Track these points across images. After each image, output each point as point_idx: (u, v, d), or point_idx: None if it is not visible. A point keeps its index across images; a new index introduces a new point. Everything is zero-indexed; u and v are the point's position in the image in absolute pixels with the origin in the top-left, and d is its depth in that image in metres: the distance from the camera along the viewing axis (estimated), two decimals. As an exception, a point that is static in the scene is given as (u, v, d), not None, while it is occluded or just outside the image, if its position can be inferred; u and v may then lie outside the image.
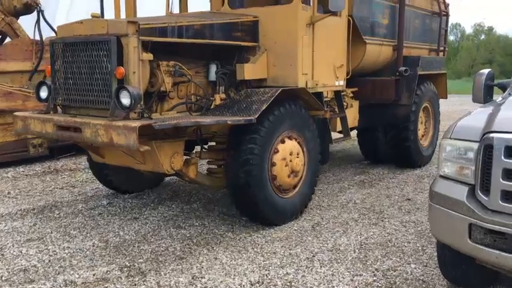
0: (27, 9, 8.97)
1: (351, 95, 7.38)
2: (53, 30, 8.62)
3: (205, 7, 7.63)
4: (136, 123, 4.25)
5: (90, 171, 7.52)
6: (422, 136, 8.45)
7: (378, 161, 8.50)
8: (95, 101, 4.79)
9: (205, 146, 5.93)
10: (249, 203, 5.17)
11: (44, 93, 5.27)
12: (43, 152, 8.52)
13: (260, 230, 5.28)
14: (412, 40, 8.20)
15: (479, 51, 61.39)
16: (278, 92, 5.13)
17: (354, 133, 7.64)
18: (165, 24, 4.91)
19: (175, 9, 6.84)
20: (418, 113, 8.01)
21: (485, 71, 4.32)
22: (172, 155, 4.96)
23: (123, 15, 6.78)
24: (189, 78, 5.27)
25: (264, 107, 4.94)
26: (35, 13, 8.72)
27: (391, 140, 7.99)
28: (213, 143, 5.82)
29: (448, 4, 9.22)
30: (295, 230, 5.31)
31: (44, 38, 8.37)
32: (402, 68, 7.47)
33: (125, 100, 4.46)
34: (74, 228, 5.35)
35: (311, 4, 5.82)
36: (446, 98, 9.16)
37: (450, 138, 3.50)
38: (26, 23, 9.24)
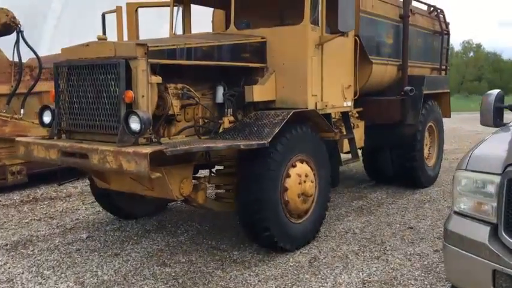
0: (6, 30, 8.56)
1: (357, 115, 7.28)
2: (33, 51, 8.43)
3: (207, 28, 7.57)
4: (148, 150, 4.08)
5: (71, 199, 7.36)
6: (428, 156, 8.36)
7: (383, 182, 8.37)
8: (102, 126, 4.62)
9: (213, 170, 5.76)
10: (261, 228, 4.99)
11: (47, 118, 5.09)
12: (22, 180, 8.06)
13: (252, 266, 4.88)
14: (415, 59, 8.16)
15: (468, 68, 62.19)
16: (290, 114, 5.01)
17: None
18: (174, 46, 4.79)
19: (179, 31, 6.72)
20: (423, 132, 7.93)
21: (494, 92, 4.06)
22: (182, 180, 4.79)
23: (125, 37, 6.67)
24: (197, 101, 5.13)
25: (276, 131, 4.80)
26: (14, 34, 8.45)
27: (397, 160, 7.88)
28: (221, 167, 5.66)
29: (449, 23, 9.22)
30: (291, 266, 4.89)
31: (23, 60, 8.16)
32: (408, 88, 7.40)
33: (134, 125, 4.30)
34: (48, 267, 4.91)
35: (319, 25, 5.73)
36: (449, 117, 9.10)
37: (466, 169, 3.14)
38: (5, 43, 8.92)
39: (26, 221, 6.52)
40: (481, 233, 2.97)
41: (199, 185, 5.13)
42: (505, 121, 4.05)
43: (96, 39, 4.75)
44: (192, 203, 5.32)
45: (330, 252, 5.26)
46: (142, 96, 4.47)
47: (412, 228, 6.03)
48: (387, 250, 5.30)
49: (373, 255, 5.17)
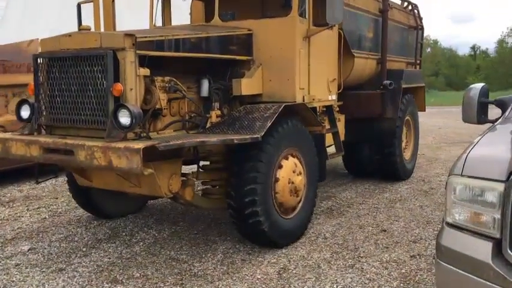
0: None
1: (337, 109, 7.25)
2: None
3: (185, 20, 7.36)
4: (140, 145, 3.89)
5: (14, 205, 6.93)
6: (405, 149, 8.44)
7: (362, 175, 8.39)
8: (87, 120, 4.40)
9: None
10: (254, 224, 4.87)
11: (25, 113, 4.81)
12: None
13: (215, 280, 4.39)
14: (393, 53, 8.21)
15: (425, 63, 63.80)
16: (281, 107, 4.91)
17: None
18: (162, 37, 4.60)
19: (158, 22, 6.50)
20: (402, 126, 7.99)
21: (478, 85, 3.76)
22: (170, 176, 4.62)
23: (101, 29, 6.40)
24: (184, 95, 4.96)
25: (269, 124, 4.69)
26: None
27: (377, 153, 7.91)
28: (206, 163, 5.50)
29: (422, 18, 9.33)
30: (258, 279, 4.43)
31: None
32: (387, 82, 7.43)
33: (124, 119, 4.10)
34: (-21, 290, 4.28)
35: (307, 17, 5.65)
36: (424, 111, 9.23)
37: (462, 175, 2.71)
38: None
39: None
40: (482, 250, 2.53)
41: (187, 181, 4.98)
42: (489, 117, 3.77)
43: (75, 30, 4.52)
44: (179, 200, 5.16)
45: (300, 261, 4.84)
46: (131, 89, 4.28)
47: (385, 231, 5.70)
48: (361, 257, 4.92)
49: (347, 263, 4.77)
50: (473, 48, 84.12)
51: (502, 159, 2.65)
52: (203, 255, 5.00)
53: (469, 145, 3.02)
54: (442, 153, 11.34)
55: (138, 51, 4.30)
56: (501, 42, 73.56)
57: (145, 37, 4.43)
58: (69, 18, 13.52)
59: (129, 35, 4.27)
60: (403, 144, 8.40)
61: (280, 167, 5.04)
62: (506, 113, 3.65)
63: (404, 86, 7.78)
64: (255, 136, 4.55)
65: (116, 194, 5.72)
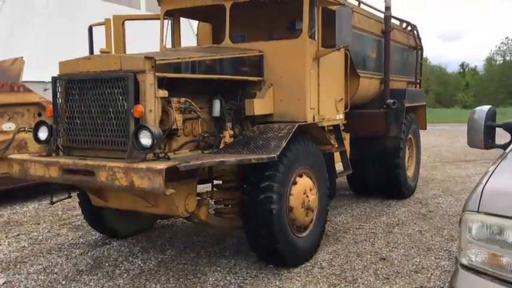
0: None
1: (342, 127, 7.37)
2: None
3: (191, 42, 7.50)
4: (162, 165, 3.97)
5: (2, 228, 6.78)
6: (407, 167, 8.55)
7: (365, 194, 8.47)
8: (107, 141, 4.46)
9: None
10: (269, 242, 4.93)
11: (43, 134, 4.86)
12: None
13: None
14: (394, 73, 8.37)
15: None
16: (295, 127, 5.01)
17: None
18: (179, 59, 4.71)
19: (168, 45, 6.62)
20: (405, 144, 8.12)
21: (484, 108, 3.53)
22: (187, 196, 4.69)
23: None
24: (199, 115, 5.04)
25: (284, 144, 4.79)
26: None
27: (381, 171, 8.01)
28: (219, 182, 5.57)
29: (421, 38, 9.54)
30: None
31: None
32: (390, 101, 7.58)
33: (145, 140, 4.17)
34: None
35: (316, 39, 5.79)
36: (425, 129, 9.38)
37: (478, 212, 2.42)
38: None
39: None
40: None
41: (202, 201, 5.04)
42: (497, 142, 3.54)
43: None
44: (194, 220, 5.22)
45: None
46: (150, 110, 4.36)
47: (384, 259, 5.41)
48: None
49: None
50: (462, 65, 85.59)
51: None
52: None
53: (483, 176, 2.74)
54: (437, 173, 11.21)
55: (157, 74, 4.39)
56: (490, 60, 74.85)
57: (164, 59, 4.53)
58: (57, 37, 13.66)
59: (148, 57, 4.36)
60: (406, 163, 8.51)
61: (294, 185, 5.12)
62: None
63: (407, 105, 7.93)
64: (272, 156, 4.63)
65: (128, 214, 5.78)
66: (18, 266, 5.35)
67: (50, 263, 5.42)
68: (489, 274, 2.36)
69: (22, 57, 9.43)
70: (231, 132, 5.31)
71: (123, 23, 6.61)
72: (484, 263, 2.40)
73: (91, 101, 4.53)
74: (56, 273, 5.13)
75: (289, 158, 4.98)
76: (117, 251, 5.79)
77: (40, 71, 12.84)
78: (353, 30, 6.68)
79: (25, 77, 9.32)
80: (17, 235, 6.52)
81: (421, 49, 9.47)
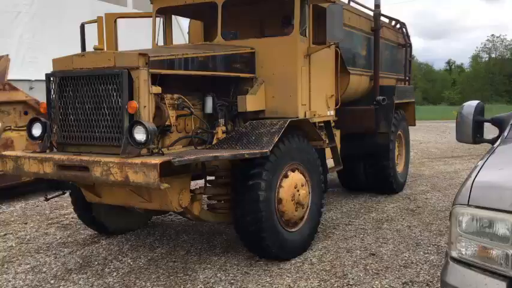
0: None
1: (333, 124, 7.45)
2: None
3: (180, 41, 7.54)
4: (157, 160, 4.02)
5: None
6: (397, 163, 8.66)
7: (356, 190, 8.57)
8: (101, 137, 4.50)
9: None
10: (257, 238, 5.00)
11: (37, 131, 4.88)
12: None
13: None
14: (383, 70, 8.48)
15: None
16: (287, 123, 5.08)
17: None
18: (173, 56, 4.75)
19: (160, 42, 6.65)
20: (394, 140, 8.23)
21: (472, 103, 3.57)
22: (181, 191, 4.74)
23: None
24: (192, 111, 5.09)
25: (276, 139, 4.85)
26: None
27: (371, 168, 8.11)
28: (211, 178, 5.62)
29: (410, 36, 9.66)
30: None
31: None
32: (380, 97, 7.67)
33: (140, 136, 4.22)
34: None
35: (307, 36, 5.87)
36: (414, 126, 9.50)
37: (468, 205, 2.46)
38: None
39: None
40: None
41: (195, 196, 5.09)
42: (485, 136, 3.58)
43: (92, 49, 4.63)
44: (187, 215, 5.28)
45: None
46: (144, 106, 4.41)
47: (374, 254, 5.43)
48: (351, 285, 4.64)
49: None
50: (448, 63, 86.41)
51: None
52: (182, 287, 4.68)
53: (472, 170, 2.77)
54: (425, 169, 11.33)
55: (151, 70, 4.44)
56: (475, 58, 75.60)
57: (158, 56, 4.57)
58: (43, 34, 13.56)
59: (142, 54, 4.41)
60: (396, 158, 8.63)
61: (286, 178, 5.19)
62: (506, 132, 3.41)
63: (396, 101, 8.04)
64: (264, 150, 4.70)
65: (121, 210, 5.81)
66: (6, 266, 5.29)
67: (38, 262, 5.37)
68: (479, 267, 2.39)
69: (8, 55, 9.35)
70: (224, 128, 5.38)
71: (115, 21, 6.63)
72: (474, 256, 2.42)
73: (85, 97, 4.56)
74: (44, 272, 5.09)
75: (280, 150, 5.04)
76: (106, 249, 5.75)
77: (26, 69, 12.85)
78: (344, 28, 6.80)
79: (11, 75, 9.25)
80: (4, 235, 6.46)
81: (410, 46, 9.59)
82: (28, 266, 5.28)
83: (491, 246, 2.36)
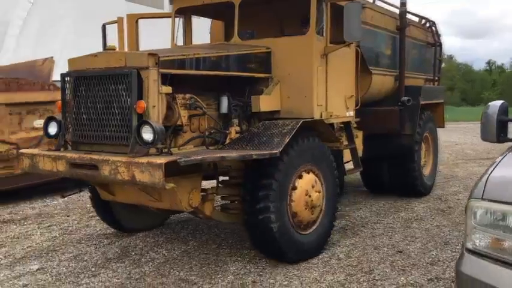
0: None
1: (355, 125, 7.30)
2: None
3: (205, 39, 7.55)
4: (162, 160, 4.04)
5: (26, 223, 6.97)
6: (424, 165, 8.42)
7: (381, 192, 8.38)
8: (111, 136, 4.56)
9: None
10: (268, 240, 4.95)
11: (52, 129, 5.00)
12: None
13: None
14: (410, 70, 8.24)
15: (441, 79, 63.39)
16: (299, 123, 5.01)
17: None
18: (184, 56, 4.76)
19: (179, 42, 6.69)
20: (420, 142, 8.00)
21: (497, 103, 3.61)
22: (191, 191, 4.75)
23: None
24: (204, 111, 5.08)
25: (287, 140, 4.79)
26: None
27: (395, 170, 7.91)
28: (225, 178, 5.61)
29: (440, 35, 9.37)
30: None
31: None
32: (405, 98, 7.47)
33: (147, 135, 4.25)
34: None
35: (324, 35, 5.77)
36: (443, 127, 9.22)
37: (482, 199, 2.61)
38: None
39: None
40: (506, 281, 2.39)
41: (207, 196, 5.09)
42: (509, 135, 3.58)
43: (105, 50, 4.70)
44: (199, 215, 5.29)
45: (313, 283, 4.65)
46: (153, 106, 4.43)
47: (401, 252, 5.49)
48: (376, 280, 4.71)
49: (362, 286, 4.58)
50: (488, 63, 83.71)
51: None
52: (213, 277, 4.86)
53: (489, 166, 2.90)
54: (459, 170, 11.16)
55: (160, 70, 4.46)
56: (516, 58, 72.95)
57: (168, 56, 4.59)
58: (85, 36, 13.89)
59: (152, 54, 4.43)
60: (422, 161, 8.39)
61: (297, 183, 5.12)
62: None
63: (422, 102, 7.80)
64: (274, 151, 4.64)
65: (137, 208, 5.88)
66: (50, 254, 5.62)
67: (80, 252, 5.68)
68: (492, 257, 2.53)
69: (52, 57, 9.70)
70: (237, 128, 5.35)
71: (136, 21, 6.71)
72: (487, 247, 2.57)
73: (97, 97, 4.63)
74: (85, 260, 5.40)
75: (294, 151, 4.98)
76: (143, 241, 6.03)
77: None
78: (365, 27, 6.66)
79: (55, 76, 9.57)
80: (49, 226, 6.83)
81: (440, 46, 9.30)
82: (71, 254, 5.60)
83: (504, 238, 2.51)
